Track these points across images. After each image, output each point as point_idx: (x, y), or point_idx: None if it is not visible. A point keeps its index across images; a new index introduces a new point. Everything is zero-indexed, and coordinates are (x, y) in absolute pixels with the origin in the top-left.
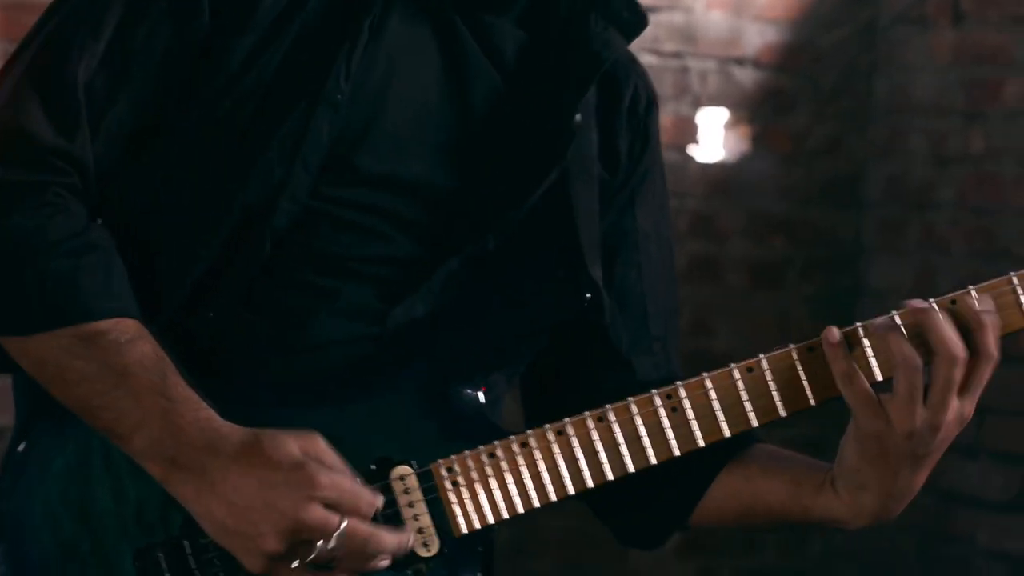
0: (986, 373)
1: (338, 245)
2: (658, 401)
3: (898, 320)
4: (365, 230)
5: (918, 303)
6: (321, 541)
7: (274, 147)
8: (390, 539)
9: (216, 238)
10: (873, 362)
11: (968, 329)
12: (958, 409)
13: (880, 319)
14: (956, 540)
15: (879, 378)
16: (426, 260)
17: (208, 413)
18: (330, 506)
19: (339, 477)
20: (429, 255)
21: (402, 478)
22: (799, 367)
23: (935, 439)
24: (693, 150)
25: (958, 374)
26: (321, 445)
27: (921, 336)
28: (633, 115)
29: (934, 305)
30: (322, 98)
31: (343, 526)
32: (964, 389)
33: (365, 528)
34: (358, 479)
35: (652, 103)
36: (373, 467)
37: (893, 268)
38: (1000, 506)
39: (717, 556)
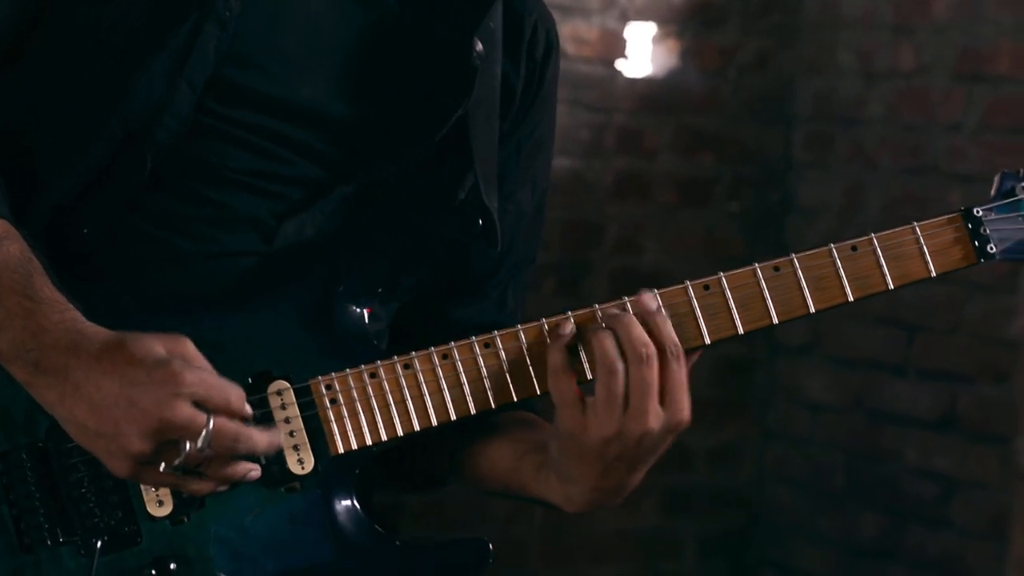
0: (676, 372)
1: (228, 159)
2: (545, 324)
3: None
4: (257, 149)
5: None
6: (189, 442)
7: (158, 62)
8: (261, 437)
9: (95, 148)
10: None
11: (648, 328)
12: (664, 418)
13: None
14: (884, 458)
15: (589, 377)
16: (322, 182)
17: (73, 314)
18: (198, 405)
19: (206, 374)
20: (325, 177)
21: (279, 393)
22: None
23: (640, 447)
24: (621, 64)
25: (651, 375)
26: (189, 347)
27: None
28: (530, 58)
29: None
30: (210, 13)
31: (211, 424)
32: (663, 393)
33: (234, 425)
34: (223, 378)
35: (552, 48)
36: (250, 381)
37: (822, 184)
38: (928, 424)
39: (647, 474)
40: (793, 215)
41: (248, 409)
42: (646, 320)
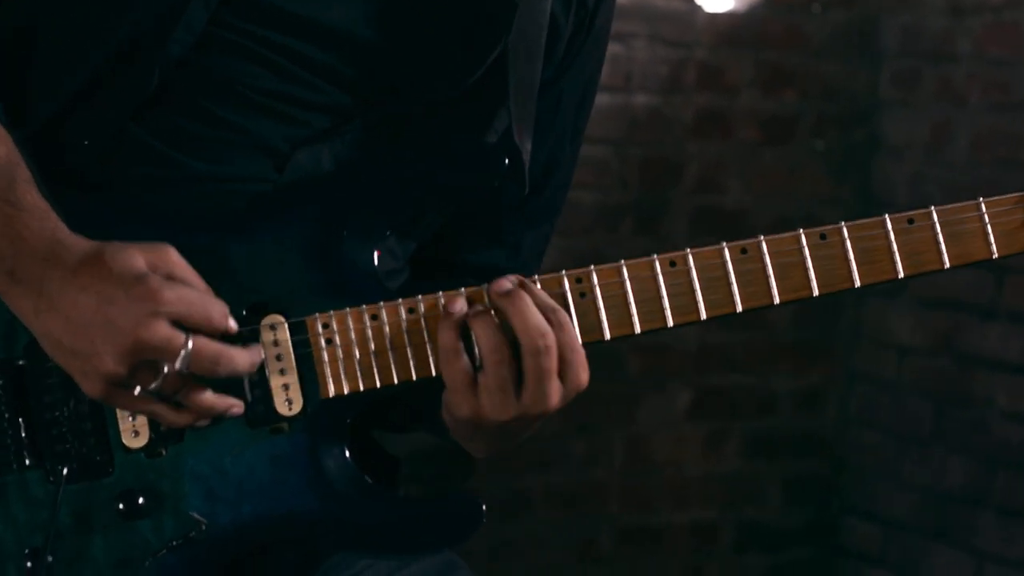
0: (568, 339)
1: (244, 77)
2: (566, 284)
3: (503, 293)
4: (277, 69)
5: (504, 283)
6: (167, 364)
7: None
8: (242, 357)
9: (95, 56)
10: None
11: (542, 308)
12: (564, 390)
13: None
14: (973, 402)
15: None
16: (344, 110)
17: (55, 223)
18: (177, 322)
19: (186, 290)
20: (349, 105)
21: (273, 327)
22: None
23: (541, 417)
24: None
25: (550, 363)
26: (172, 257)
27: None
28: (582, 3)
29: (522, 285)
30: None
31: (189, 345)
32: (561, 369)
33: (215, 345)
34: (211, 291)
35: None
36: (244, 312)
37: (909, 122)
38: (1018, 367)
39: (729, 419)
40: (880, 153)
41: (232, 324)
42: (536, 297)
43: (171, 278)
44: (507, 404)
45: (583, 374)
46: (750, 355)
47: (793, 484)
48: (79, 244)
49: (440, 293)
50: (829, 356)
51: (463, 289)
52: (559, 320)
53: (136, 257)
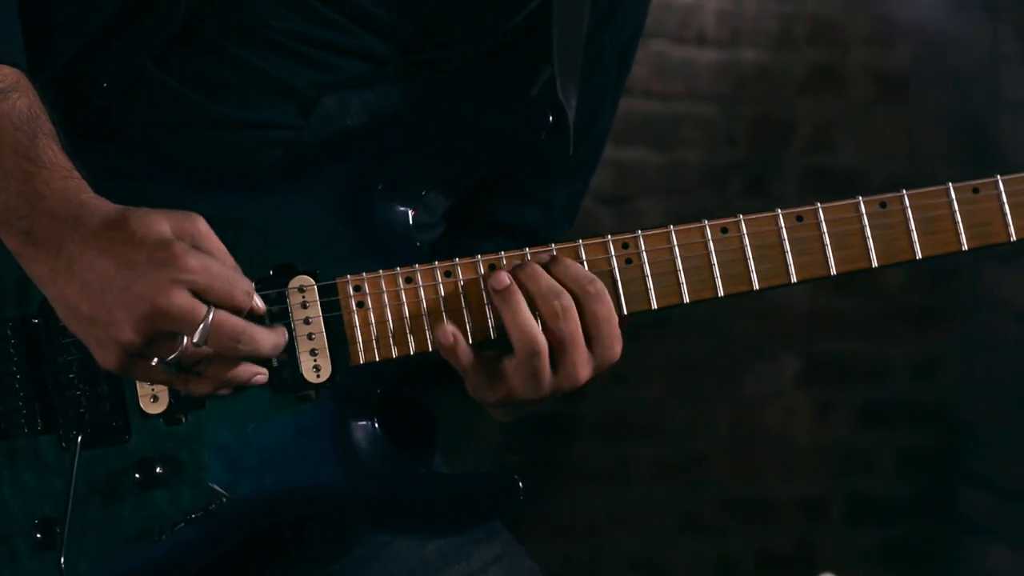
0: (599, 309)
1: (272, 18)
2: (611, 249)
3: (530, 272)
4: (306, 9)
5: (501, 278)
6: (185, 336)
7: None
8: (265, 337)
9: None
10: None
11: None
12: (594, 361)
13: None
14: None
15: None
16: (377, 57)
17: (78, 183)
18: (199, 295)
19: (211, 261)
20: (382, 52)
21: (301, 289)
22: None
23: (571, 390)
24: None
25: (572, 328)
26: (201, 227)
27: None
28: None
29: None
30: None
31: (210, 318)
32: (589, 338)
33: (236, 322)
34: (239, 270)
35: None
36: (271, 272)
37: None
38: None
39: (840, 388)
40: (1000, 112)
41: (258, 303)
42: (550, 266)
43: (197, 248)
44: (541, 385)
45: (616, 346)
46: (863, 321)
47: (907, 454)
48: (102, 207)
49: (479, 257)
50: (946, 322)
51: (502, 253)
52: (597, 290)
53: (162, 222)
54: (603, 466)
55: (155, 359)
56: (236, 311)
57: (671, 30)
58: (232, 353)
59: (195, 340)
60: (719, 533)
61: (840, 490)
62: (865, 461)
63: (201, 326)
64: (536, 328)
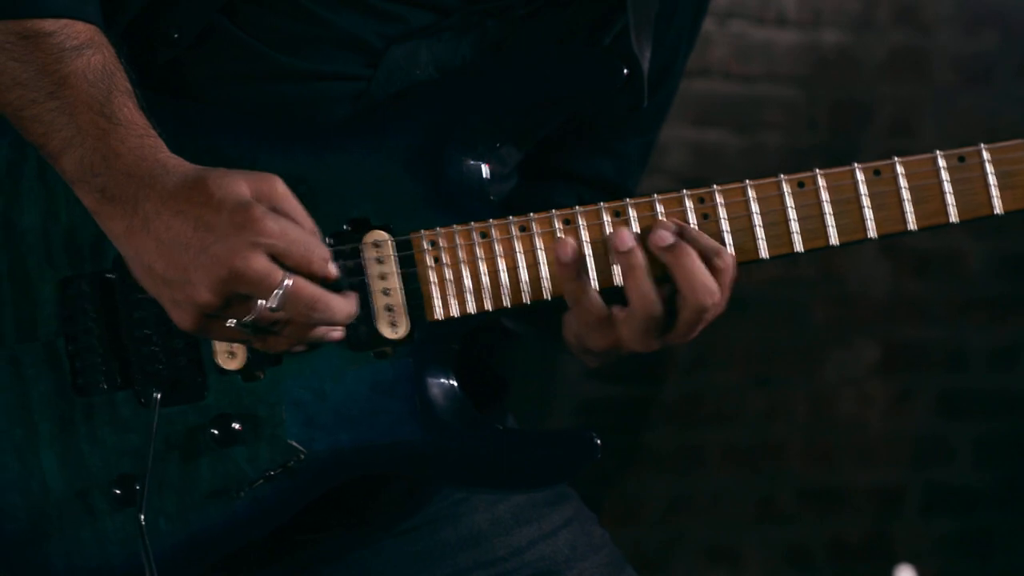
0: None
1: None
2: (688, 204)
3: (666, 247)
4: None
5: (665, 235)
6: (261, 300)
7: None
8: (341, 305)
9: None
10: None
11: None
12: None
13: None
14: None
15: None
16: (443, 5)
17: (154, 141)
18: (276, 259)
19: (290, 225)
20: (449, 0)
21: (377, 244)
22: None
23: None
24: None
25: (710, 317)
26: (279, 189)
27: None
28: None
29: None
30: None
31: (286, 283)
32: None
33: (313, 289)
34: (319, 234)
35: None
36: (346, 227)
37: None
38: None
39: (919, 375)
40: None
41: (333, 269)
42: (698, 243)
43: (276, 211)
44: (649, 341)
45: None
46: (944, 307)
47: (985, 444)
48: (181, 166)
49: (553, 212)
50: None
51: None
52: (725, 264)
53: (241, 184)
54: (678, 452)
55: (232, 320)
56: (312, 277)
57: (751, 10)
58: (306, 320)
59: (271, 306)
60: (794, 521)
61: (917, 480)
62: (943, 450)
63: (278, 292)
64: (657, 295)
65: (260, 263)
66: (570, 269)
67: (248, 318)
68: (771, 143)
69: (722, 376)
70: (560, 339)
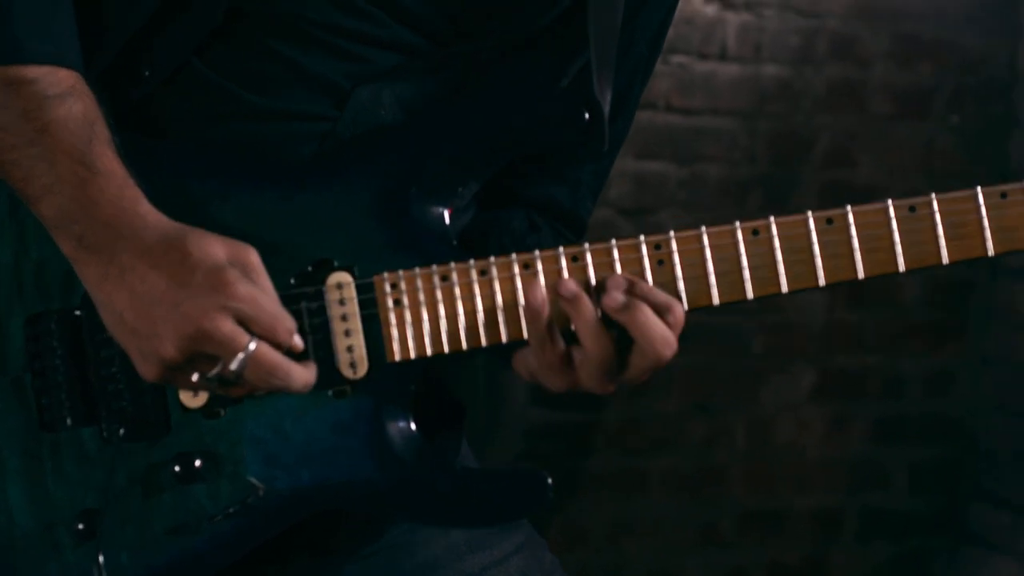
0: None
1: (307, 10)
2: (644, 250)
3: (618, 308)
4: (342, 2)
5: (616, 295)
6: (223, 361)
7: None
8: (299, 375)
9: None
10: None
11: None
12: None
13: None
14: None
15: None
16: (411, 49)
17: (134, 192)
18: (244, 323)
19: (260, 293)
20: (413, 42)
21: (339, 286)
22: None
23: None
24: None
25: (665, 362)
26: (253, 259)
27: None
28: None
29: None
30: None
31: (250, 348)
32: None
33: (274, 356)
34: (280, 303)
35: None
36: (309, 268)
37: None
38: None
39: (855, 401)
40: (1018, 130)
41: (298, 342)
42: (650, 298)
43: (246, 274)
44: (605, 384)
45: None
46: (878, 335)
47: (921, 469)
48: (161, 222)
49: (513, 256)
50: (961, 337)
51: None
52: (675, 319)
53: (217, 247)
54: (620, 476)
55: (196, 375)
56: (276, 346)
57: (693, 45)
58: (264, 385)
59: (232, 368)
60: (735, 545)
61: (853, 504)
62: (879, 475)
63: (240, 355)
64: (608, 339)
65: (227, 326)
66: (538, 313)
67: (211, 374)
68: (712, 174)
69: (663, 402)
70: (508, 365)
